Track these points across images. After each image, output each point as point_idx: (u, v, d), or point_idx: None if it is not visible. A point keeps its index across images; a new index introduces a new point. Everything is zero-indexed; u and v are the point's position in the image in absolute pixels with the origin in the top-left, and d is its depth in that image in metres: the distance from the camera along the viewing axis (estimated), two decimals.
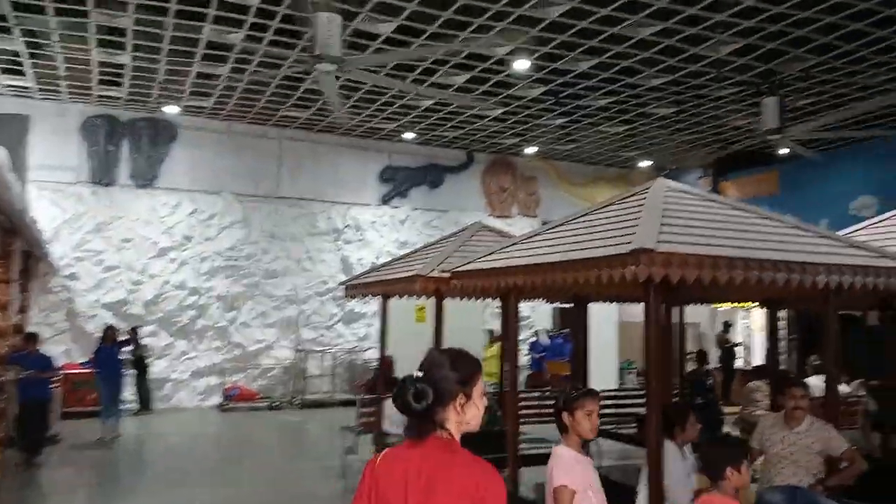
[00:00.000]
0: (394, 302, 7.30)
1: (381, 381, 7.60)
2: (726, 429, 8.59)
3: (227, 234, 14.69)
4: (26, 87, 12.67)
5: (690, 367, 10.72)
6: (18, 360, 9.12)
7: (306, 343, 15.01)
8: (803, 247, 4.18)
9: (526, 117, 14.12)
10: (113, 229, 13.79)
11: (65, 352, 12.94)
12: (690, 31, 9.74)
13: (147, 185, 14.18)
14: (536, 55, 10.66)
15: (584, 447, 3.70)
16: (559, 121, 14.31)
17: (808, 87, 11.89)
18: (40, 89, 12.79)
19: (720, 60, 10.80)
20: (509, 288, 4.91)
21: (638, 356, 17.61)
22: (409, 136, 15.56)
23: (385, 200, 16.23)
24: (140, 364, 13.14)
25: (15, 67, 11.61)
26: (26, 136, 13.21)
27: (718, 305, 13.21)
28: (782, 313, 7.24)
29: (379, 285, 6.92)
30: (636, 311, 11.31)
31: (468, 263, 5.30)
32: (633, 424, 8.20)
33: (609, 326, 16.51)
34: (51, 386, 9.91)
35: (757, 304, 8.92)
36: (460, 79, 11.75)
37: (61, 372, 11.65)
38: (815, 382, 8.25)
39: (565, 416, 3.55)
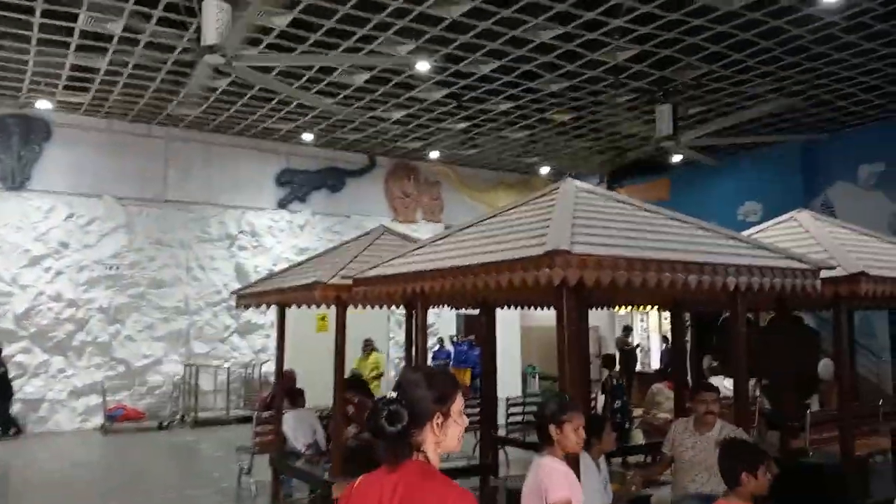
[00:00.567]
0: (293, 311, 6.86)
1: (279, 395, 7.10)
2: (634, 432, 8.63)
3: (108, 241, 13.63)
4: None
5: (593, 371, 10.83)
6: None
7: (198, 357, 14.14)
8: (712, 248, 4.12)
9: (428, 121, 13.91)
10: None
11: None
12: (589, 36, 9.81)
13: (18, 187, 12.95)
14: (438, 56, 10.46)
15: None
16: (461, 125, 14.20)
17: (700, 95, 12.30)
18: None
19: (617, 67, 10.97)
20: (416, 294, 4.62)
21: (539, 361, 17.80)
22: (308, 137, 15.01)
23: (283, 205, 15.58)
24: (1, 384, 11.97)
25: None
26: None
27: (619, 309, 13.44)
28: (685, 315, 7.34)
29: (274, 294, 6.45)
30: (538, 315, 11.34)
31: (372, 269, 4.97)
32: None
33: (512, 332, 16.60)
34: None
35: (655, 306, 9.04)
36: (360, 78, 11.39)
37: None
38: (715, 384, 8.45)
39: (552, 428, 3.46)
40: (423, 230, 15.82)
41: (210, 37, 7.49)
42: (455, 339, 16.08)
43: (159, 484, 9.31)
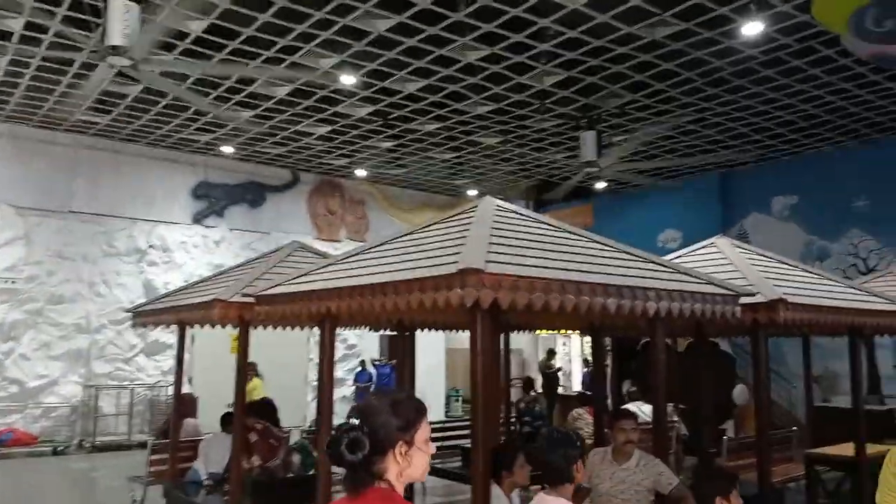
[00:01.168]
0: (207, 330, 6.35)
1: (174, 422, 6.56)
2: None
3: (4, 253, 12.66)
4: None
5: (515, 394, 10.64)
6: None
7: (99, 378, 13.24)
8: (634, 271, 3.97)
9: (354, 138, 13.60)
10: None
11: None
12: (516, 59, 9.77)
13: None
14: (363, 71, 10.20)
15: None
16: (388, 144, 13.95)
17: (624, 123, 12.46)
18: None
19: (544, 92, 10.98)
20: (323, 314, 4.29)
21: (464, 384, 17.57)
22: (227, 149, 14.43)
23: (198, 219, 14.88)
24: None
25: None
26: None
27: (541, 332, 13.38)
28: (606, 340, 7.25)
29: (171, 312, 5.97)
30: (463, 337, 11.16)
31: (276, 286, 4.60)
32: (458, 458, 7.82)
33: (436, 353, 16.34)
34: None
35: (578, 330, 8.95)
36: (282, 91, 11.00)
37: None
38: (633, 410, 8.38)
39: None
40: (346, 249, 15.39)
41: (114, 37, 7.00)
42: (377, 361, 15.67)
43: None
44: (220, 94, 10.98)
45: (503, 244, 3.65)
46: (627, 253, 4.27)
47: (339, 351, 15.20)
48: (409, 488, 7.75)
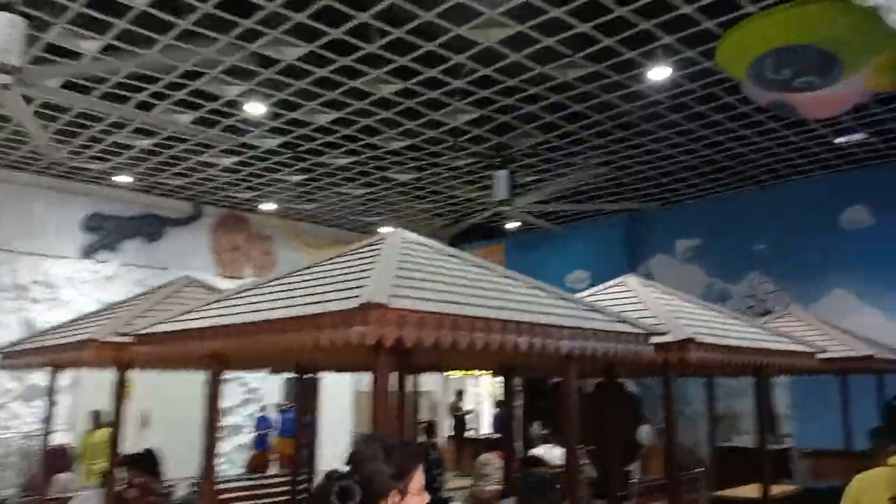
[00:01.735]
0: (97, 372, 5.71)
1: (43, 476, 5.86)
2: None
3: None
4: None
5: (422, 439, 10.31)
6: None
7: None
8: (546, 309, 3.78)
9: (262, 170, 13.11)
10: None
11: None
12: (430, 95, 9.67)
13: None
14: (272, 101, 9.84)
15: None
16: (298, 177, 13.53)
17: (536, 163, 12.57)
18: None
19: (457, 129, 10.93)
20: (210, 355, 3.88)
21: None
22: (123, 179, 13.60)
23: (88, 253, 13.87)
24: None
25: None
26: None
27: (451, 373, 13.12)
28: (516, 381, 7.07)
29: (42, 353, 5.35)
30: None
31: (158, 324, 4.15)
32: None
33: (343, 397, 15.76)
34: None
35: (488, 371, 8.73)
36: (185, 118, 10.47)
37: None
38: (542, 453, 8.20)
39: None
40: None
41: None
42: (281, 406, 14.94)
43: None
44: (115, 121, 10.34)
45: (410, 278, 3.40)
46: (540, 290, 4.10)
47: (239, 395, 14.42)
48: None
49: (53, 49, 8.13)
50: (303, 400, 6.86)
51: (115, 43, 8.08)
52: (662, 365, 4.64)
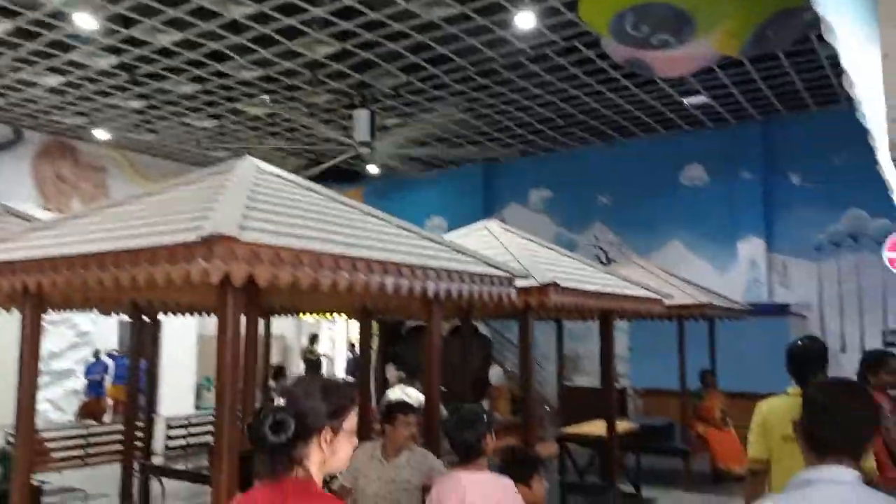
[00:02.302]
0: None
1: None
2: None
3: None
4: None
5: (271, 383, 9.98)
6: None
7: None
8: (412, 248, 3.59)
9: (93, 94, 11.78)
10: None
11: None
12: (287, 22, 9.01)
13: None
14: (106, 14, 8.76)
15: None
16: (136, 104, 12.32)
17: (397, 105, 12.24)
18: None
19: (316, 62, 10.34)
20: (25, 292, 3.34)
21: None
22: None
23: None
24: None
25: None
26: None
27: (305, 316, 12.75)
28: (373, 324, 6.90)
29: None
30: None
31: None
32: (207, 458, 7.00)
33: (186, 340, 14.91)
34: None
35: (346, 314, 8.49)
36: (1, 27, 9.09)
37: None
38: (398, 395, 8.14)
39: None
40: None
41: None
42: (114, 351, 13.87)
43: None
44: None
45: (264, 210, 3.05)
46: (406, 230, 3.89)
47: (69, 339, 13.22)
48: (144, 494, 6.78)
49: None
50: (139, 344, 6.29)
51: None
52: (524, 308, 4.64)
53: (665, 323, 8.81)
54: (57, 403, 12.73)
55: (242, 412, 3.89)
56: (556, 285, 4.57)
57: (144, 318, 6.25)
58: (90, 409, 12.67)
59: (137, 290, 3.70)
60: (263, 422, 1.75)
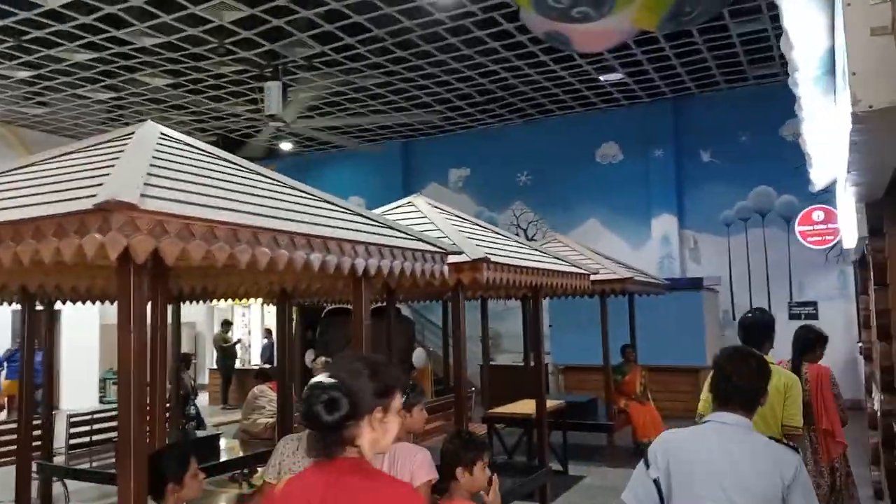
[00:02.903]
0: None
1: None
2: (227, 441, 7.50)
3: None
4: None
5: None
6: None
7: None
8: (339, 222, 3.29)
9: None
10: None
11: None
12: None
13: None
14: None
15: None
16: (23, 73, 11.29)
17: (311, 78, 11.72)
18: None
19: (223, 29, 9.71)
20: None
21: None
22: None
23: None
24: None
25: None
26: None
27: (217, 302, 12.14)
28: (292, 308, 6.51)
29: None
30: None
31: None
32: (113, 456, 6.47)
33: (89, 330, 14.01)
34: None
35: (262, 299, 8.04)
36: None
37: None
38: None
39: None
40: None
41: None
42: (8, 350, 12.81)
43: None
44: None
45: (171, 178, 2.68)
46: (332, 203, 3.58)
47: None
48: (47, 496, 6.23)
49: None
50: (31, 334, 5.69)
51: None
52: (455, 285, 4.42)
53: (583, 299, 8.81)
54: None
55: (151, 407, 3.50)
56: (488, 261, 4.37)
57: (38, 305, 5.66)
58: None
59: (25, 272, 3.24)
60: (317, 400, 1.74)
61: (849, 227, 5.85)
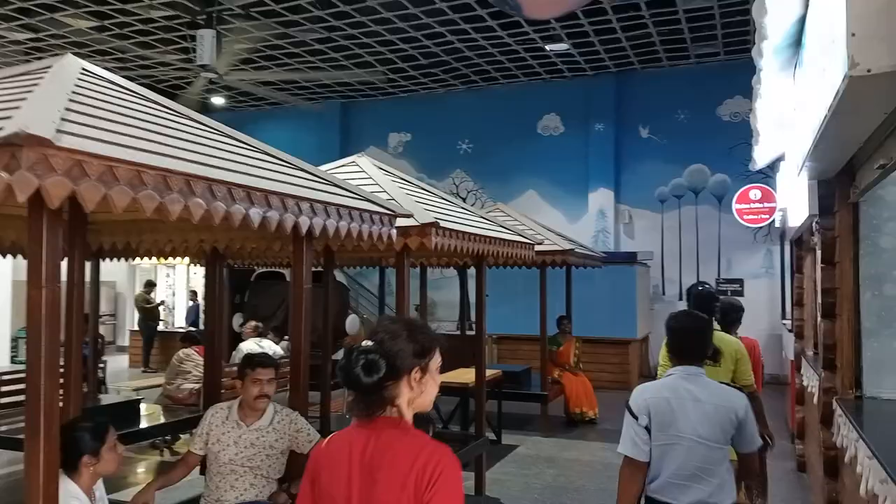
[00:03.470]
0: None
1: None
2: (151, 406, 7.12)
3: None
4: None
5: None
6: None
7: None
8: (281, 177, 3.03)
9: None
10: None
11: None
12: None
13: None
14: None
15: None
16: None
17: (248, 29, 11.14)
18: None
19: None
20: None
21: None
22: None
23: None
24: None
25: None
26: None
27: (140, 260, 11.55)
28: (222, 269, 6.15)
29: None
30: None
31: None
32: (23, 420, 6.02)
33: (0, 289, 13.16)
34: None
35: (188, 258, 7.63)
36: None
37: None
38: (250, 347, 7.51)
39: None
40: None
41: None
42: None
43: None
44: None
45: (92, 116, 2.36)
46: (274, 156, 3.30)
47: None
48: None
49: None
50: None
51: None
52: (401, 249, 4.21)
53: (518, 270, 8.76)
54: None
55: (66, 370, 3.19)
56: (437, 225, 4.18)
57: None
58: None
59: None
60: (356, 363, 1.76)
61: (795, 205, 5.90)
